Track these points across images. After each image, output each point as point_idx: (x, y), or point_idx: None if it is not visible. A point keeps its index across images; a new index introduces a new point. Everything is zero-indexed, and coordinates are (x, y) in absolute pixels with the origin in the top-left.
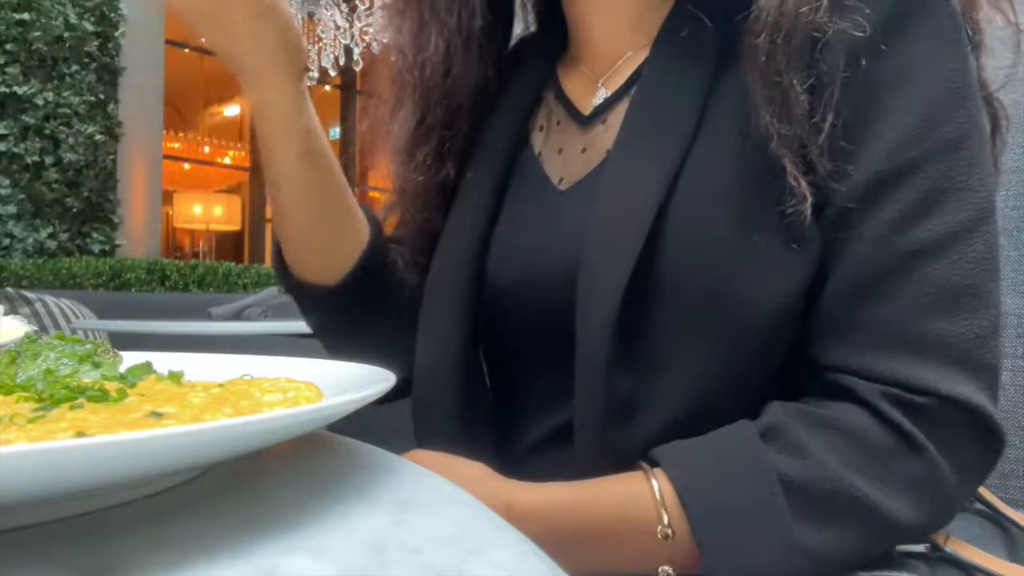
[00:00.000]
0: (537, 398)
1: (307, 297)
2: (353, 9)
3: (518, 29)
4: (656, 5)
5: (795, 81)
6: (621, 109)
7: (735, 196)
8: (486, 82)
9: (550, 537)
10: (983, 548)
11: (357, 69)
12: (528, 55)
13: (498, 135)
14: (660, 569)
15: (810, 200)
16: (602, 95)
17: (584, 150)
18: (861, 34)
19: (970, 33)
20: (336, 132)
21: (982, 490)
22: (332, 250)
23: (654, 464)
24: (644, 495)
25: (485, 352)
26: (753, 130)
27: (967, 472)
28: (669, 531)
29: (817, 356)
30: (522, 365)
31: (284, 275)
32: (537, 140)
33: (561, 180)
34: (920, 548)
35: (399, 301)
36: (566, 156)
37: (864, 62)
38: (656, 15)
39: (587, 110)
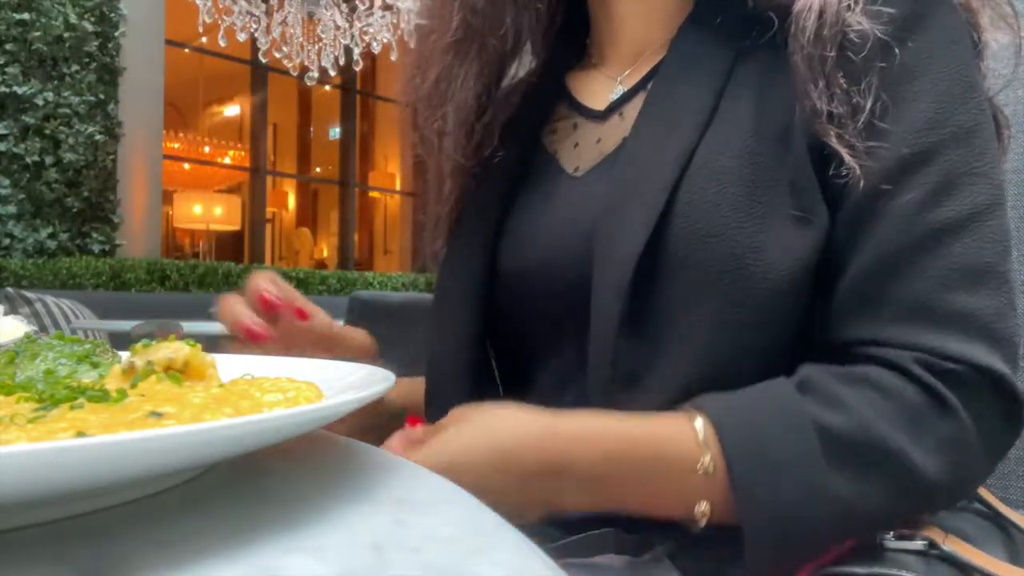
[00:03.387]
0: (546, 384)
1: None
2: (353, 9)
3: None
4: (685, 2)
5: (836, 64)
6: (638, 102)
7: (747, 173)
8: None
9: (590, 460)
10: (982, 548)
11: (357, 69)
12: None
13: (511, 142)
14: (697, 506)
15: (857, 168)
16: (619, 91)
17: (599, 140)
18: (888, 29)
19: (975, 39)
20: (336, 132)
21: (982, 491)
22: None
23: (696, 408)
24: (686, 433)
25: (494, 344)
26: (796, 111)
27: (992, 440)
28: (710, 467)
29: (843, 334)
30: (532, 351)
31: None
32: (551, 142)
33: (576, 169)
34: (917, 545)
35: None
36: (581, 148)
37: (897, 51)
38: (683, 13)
39: (603, 107)
